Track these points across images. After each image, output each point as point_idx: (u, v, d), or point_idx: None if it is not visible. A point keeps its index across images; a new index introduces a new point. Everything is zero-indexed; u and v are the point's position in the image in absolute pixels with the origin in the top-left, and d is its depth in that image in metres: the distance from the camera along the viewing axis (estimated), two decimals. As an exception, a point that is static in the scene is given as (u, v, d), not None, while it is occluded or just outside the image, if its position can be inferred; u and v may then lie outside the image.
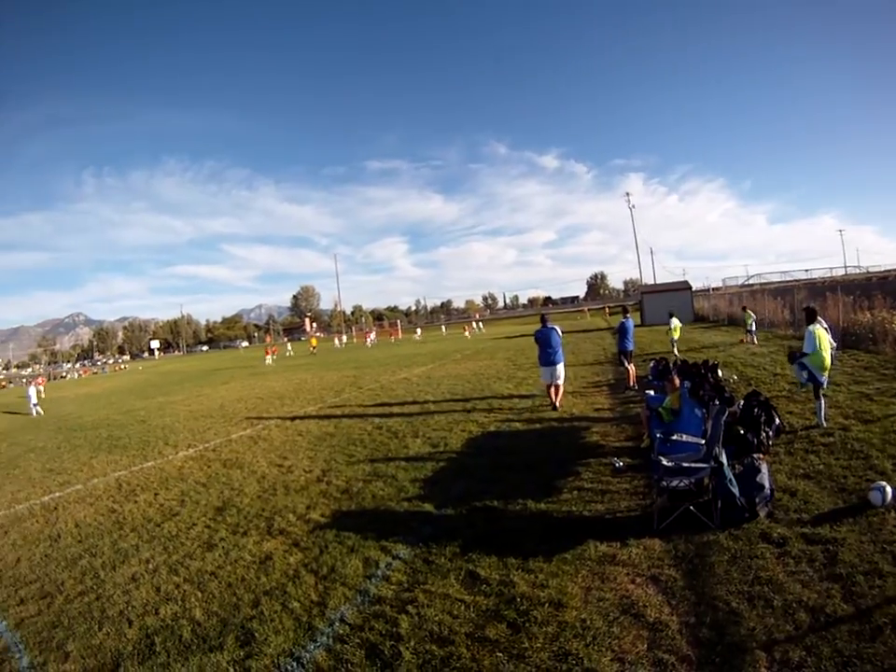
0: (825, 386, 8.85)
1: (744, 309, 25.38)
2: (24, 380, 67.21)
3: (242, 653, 4.34)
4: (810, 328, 8.74)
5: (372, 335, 69.29)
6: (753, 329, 23.52)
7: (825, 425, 8.55)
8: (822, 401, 8.68)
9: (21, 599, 5.83)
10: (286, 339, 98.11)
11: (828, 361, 8.67)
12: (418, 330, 72.76)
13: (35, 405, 26.61)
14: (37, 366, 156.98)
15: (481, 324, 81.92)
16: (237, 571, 5.82)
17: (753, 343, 22.40)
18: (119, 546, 6.97)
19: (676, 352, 22.82)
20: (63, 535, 7.67)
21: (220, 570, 5.89)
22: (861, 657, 3.56)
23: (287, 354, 62.11)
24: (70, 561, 6.70)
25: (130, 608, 5.34)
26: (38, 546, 7.36)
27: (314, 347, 61.85)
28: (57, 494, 9.93)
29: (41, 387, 36.39)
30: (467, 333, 62.45)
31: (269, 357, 50.15)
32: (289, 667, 4.10)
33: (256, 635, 4.56)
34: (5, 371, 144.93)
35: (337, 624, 4.58)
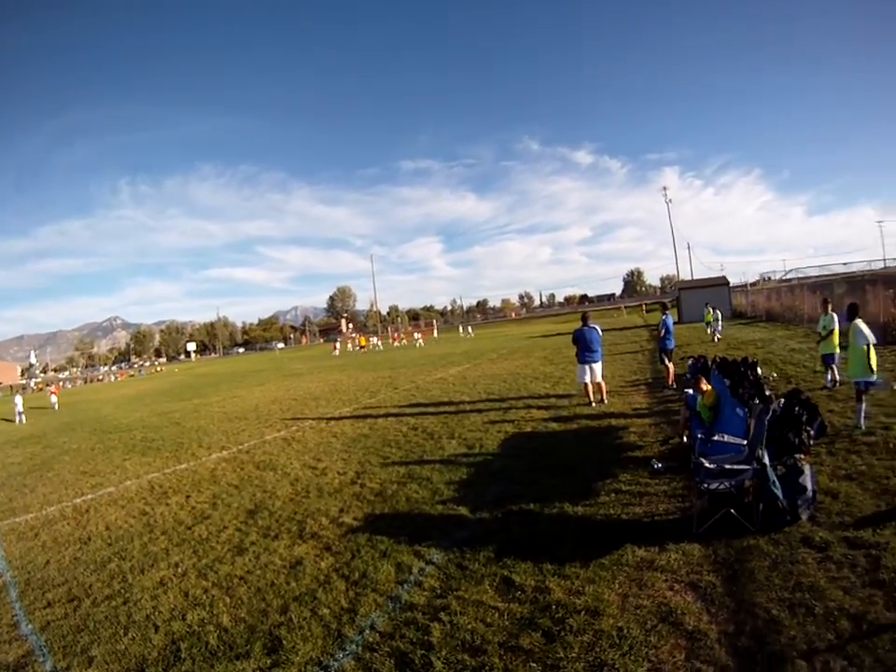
0: (873, 385, 8.54)
1: (706, 305, 26.43)
2: (20, 388, 65.41)
3: (268, 661, 4.28)
4: (855, 322, 8.50)
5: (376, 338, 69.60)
6: (717, 325, 24.66)
7: (863, 428, 8.25)
8: (864, 404, 8.36)
9: (48, 602, 5.85)
10: (354, 334, 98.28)
11: (875, 358, 8.39)
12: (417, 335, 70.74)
13: (20, 413, 27.47)
14: (74, 369, 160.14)
15: (469, 328, 78.66)
16: (267, 576, 5.77)
17: (713, 341, 23.28)
18: (148, 549, 6.99)
19: (716, 338, 23.95)
20: (93, 537, 7.72)
21: (250, 575, 5.85)
22: (903, 668, 3.42)
23: (334, 352, 63.50)
24: (99, 564, 6.73)
25: (157, 613, 5.32)
26: (68, 549, 7.42)
27: (363, 346, 63.70)
28: (89, 496, 10.03)
29: (54, 397, 37.08)
30: (420, 341, 61.33)
31: (337, 350, 60.81)
32: (317, 676, 4.01)
33: (284, 642, 4.49)
34: (43, 374, 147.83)
35: (367, 632, 4.50)
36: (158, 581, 6.02)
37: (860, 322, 8.54)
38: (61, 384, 75.71)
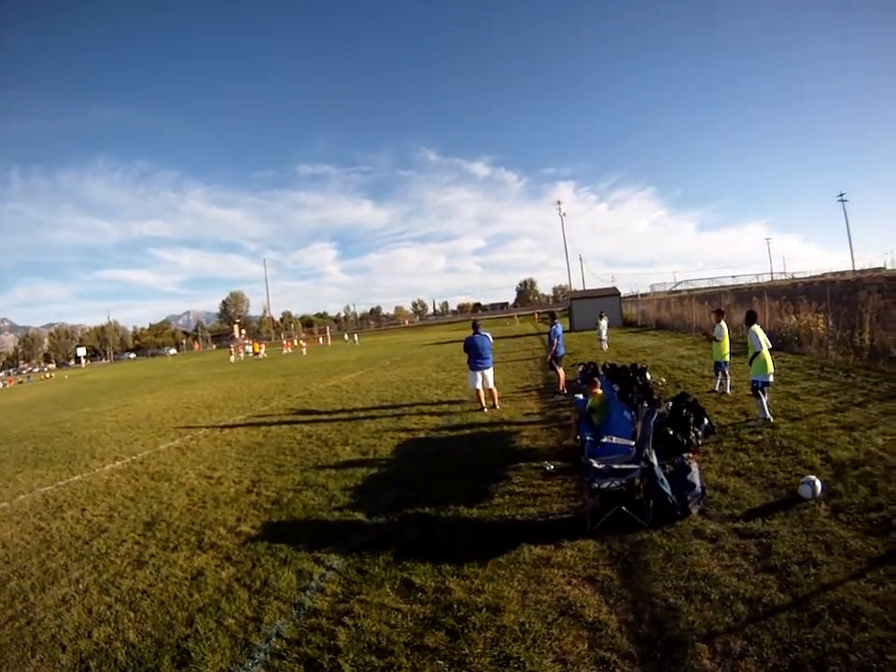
0: (768, 385, 9.28)
1: (601, 315, 26.33)
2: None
3: (179, 674, 4.23)
4: (753, 328, 9.21)
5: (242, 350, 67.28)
6: (601, 333, 24.81)
7: (771, 419, 8.97)
8: (764, 399, 9.09)
9: (-51, 629, 5.53)
10: (247, 340, 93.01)
11: (770, 360, 9.11)
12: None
13: None
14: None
15: (355, 336, 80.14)
16: (169, 588, 5.67)
17: (602, 350, 23.60)
18: (47, 566, 6.69)
19: (604, 346, 23.79)
20: (-12, 556, 7.34)
21: (152, 588, 5.72)
22: (801, 643, 3.71)
23: (231, 358, 61.01)
24: (-2, 584, 6.42)
25: (62, 632, 5.12)
26: (-36, 570, 7.02)
27: (256, 353, 61.16)
28: (-20, 513, 9.49)
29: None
30: (231, 357, 60.37)
31: (233, 356, 57.78)
32: (227, 687, 4.00)
33: (192, 654, 4.44)
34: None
35: (274, 640, 4.51)
36: (60, 598, 5.79)
37: (757, 328, 9.29)
38: None
